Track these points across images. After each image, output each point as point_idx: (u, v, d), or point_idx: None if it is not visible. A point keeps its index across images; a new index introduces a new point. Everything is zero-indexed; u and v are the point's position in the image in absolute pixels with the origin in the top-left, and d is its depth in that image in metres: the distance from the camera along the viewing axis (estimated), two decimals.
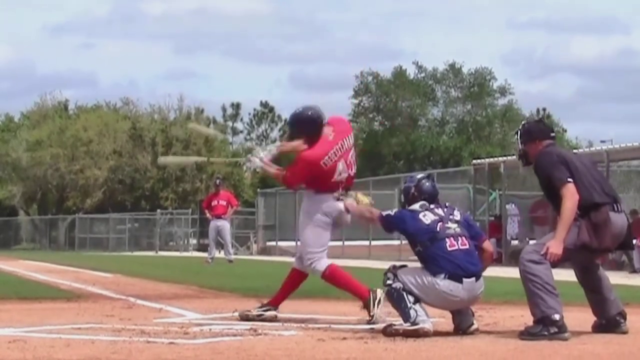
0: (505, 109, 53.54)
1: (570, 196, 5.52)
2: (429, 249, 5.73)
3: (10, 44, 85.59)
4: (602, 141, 38.95)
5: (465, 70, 53.77)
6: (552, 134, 5.89)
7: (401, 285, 5.72)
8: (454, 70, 53.88)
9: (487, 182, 21.87)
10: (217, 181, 20.41)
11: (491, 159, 22.29)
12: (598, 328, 5.80)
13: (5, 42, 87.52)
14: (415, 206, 5.93)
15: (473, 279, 5.68)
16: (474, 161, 23.08)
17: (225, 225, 18.98)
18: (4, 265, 19.10)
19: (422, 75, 54.33)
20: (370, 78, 54.55)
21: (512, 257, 20.01)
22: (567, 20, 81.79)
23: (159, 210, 40.17)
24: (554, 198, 5.65)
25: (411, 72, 54.39)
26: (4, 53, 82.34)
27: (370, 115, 55.50)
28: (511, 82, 64.78)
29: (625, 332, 5.72)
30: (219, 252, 19.80)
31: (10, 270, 16.69)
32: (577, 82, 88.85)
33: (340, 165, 6.33)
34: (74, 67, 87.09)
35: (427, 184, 6.01)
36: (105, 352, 4.90)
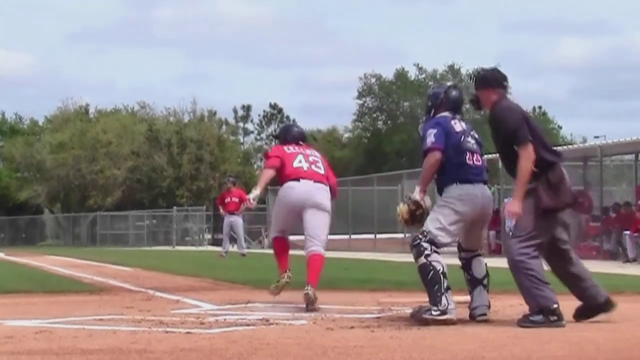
0: None
1: (529, 156, 5.43)
2: (451, 158, 5.71)
3: (33, 52, 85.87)
4: (596, 137, 38.82)
5: (463, 71, 53.68)
6: (505, 83, 5.76)
7: (441, 268, 5.58)
8: (452, 71, 53.80)
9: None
10: (230, 179, 20.52)
11: (489, 155, 22.17)
12: (582, 312, 5.61)
13: (28, 51, 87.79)
14: (445, 113, 5.89)
15: (482, 183, 5.80)
16: None
17: (238, 220, 19.01)
18: (31, 260, 19.15)
19: (423, 76, 54.27)
20: (373, 79, 54.54)
21: None
22: (560, 22, 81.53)
23: (175, 208, 40.21)
24: (507, 153, 5.53)
25: (412, 73, 54.38)
26: (28, 61, 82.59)
27: (374, 115, 55.50)
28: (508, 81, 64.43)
29: (610, 312, 5.59)
30: (233, 246, 19.82)
31: (36, 265, 16.74)
32: (571, 80, 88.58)
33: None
34: (93, 73, 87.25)
35: (455, 92, 6.04)
36: (126, 342, 4.90)
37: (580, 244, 19.09)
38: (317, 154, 7.25)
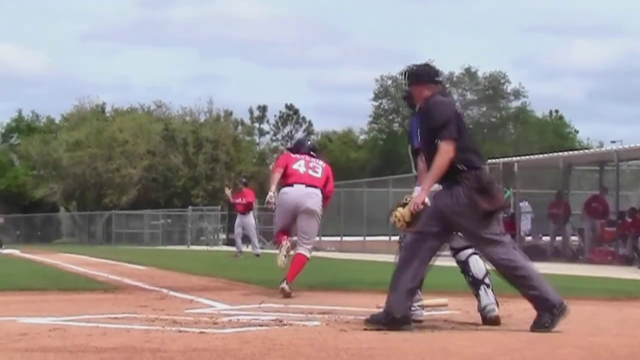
0: (518, 111, 53.23)
1: (447, 153, 5.33)
2: None
3: (50, 51, 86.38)
4: (613, 141, 38.52)
5: (480, 74, 53.52)
6: (438, 78, 5.66)
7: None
8: (469, 74, 53.65)
9: (501, 180, 21.72)
10: (243, 180, 20.70)
11: (505, 159, 22.13)
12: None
13: (45, 50, 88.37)
14: None
15: None
16: (489, 160, 22.87)
17: (249, 220, 19.07)
18: (46, 258, 19.28)
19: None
20: (389, 81, 54.47)
21: (526, 253, 19.84)
22: (577, 25, 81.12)
23: (190, 207, 40.33)
24: (431, 147, 5.44)
25: None
26: (45, 60, 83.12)
27: (390, 117, 55.46)
28: (525, 85, 64.30)
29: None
30: (247, 246, 19.87)
31: (51, 262, 16.86)
32: (588, 84, 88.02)
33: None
34: (110, 72, 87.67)
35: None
36: (140, 340, 4.92)
37: (596, 249, 18.99)
38: (320, 162, 8.13)
